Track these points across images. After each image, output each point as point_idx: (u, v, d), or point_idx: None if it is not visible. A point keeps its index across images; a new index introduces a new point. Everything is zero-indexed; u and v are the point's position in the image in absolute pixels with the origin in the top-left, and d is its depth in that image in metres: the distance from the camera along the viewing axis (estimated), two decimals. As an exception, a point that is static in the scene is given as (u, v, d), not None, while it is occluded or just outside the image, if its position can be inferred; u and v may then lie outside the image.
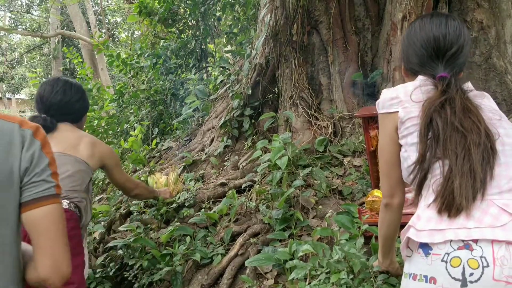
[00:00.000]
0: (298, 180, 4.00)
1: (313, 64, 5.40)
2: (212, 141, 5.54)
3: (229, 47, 8.17)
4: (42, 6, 23.90)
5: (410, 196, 3.29)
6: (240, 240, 3.69)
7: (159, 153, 5.96)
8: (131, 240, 3.72)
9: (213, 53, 8.15)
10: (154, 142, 5.42)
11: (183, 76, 7.95)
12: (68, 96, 2.99)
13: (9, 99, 33.86)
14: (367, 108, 3.69)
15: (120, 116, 7.08)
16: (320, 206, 3.98)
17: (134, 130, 6.38)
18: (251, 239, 3.68)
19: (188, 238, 3.65)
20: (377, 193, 3.41)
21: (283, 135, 4.44)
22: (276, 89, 5.35)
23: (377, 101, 2.05)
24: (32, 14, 25.07)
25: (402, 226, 1.90)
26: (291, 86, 5.16)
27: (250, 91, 5.24)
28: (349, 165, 4.46)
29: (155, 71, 7.31)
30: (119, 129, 6.42)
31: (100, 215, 4.32)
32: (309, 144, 4.70)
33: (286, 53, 5.22)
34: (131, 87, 7.98)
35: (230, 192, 4.23)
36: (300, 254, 2.90)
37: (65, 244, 1.38)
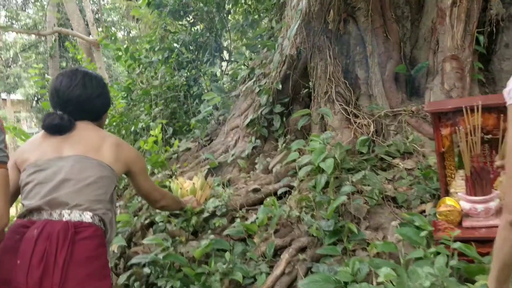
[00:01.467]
0: (347, 186, 3.50)
1: (348, 56, 4.91)
2: (237, 141, 5.04)
3: (244, 41, 7.66)
4: (38, 4, 23.33)
5: (493, 205, 2.81)
6: (286, 256, 3.19)
7: (176, 155, 5.45)
8: (160, 256, 3.20)
9: (228, 47, 7.63)
10: (176, 143, 4.89)
11: (194, 72, 7.43)
12: (88, 90, 2.46)
13: (4, 99, 33.19)
14: (438, 103, 3.20)
15: (129, 115, 6.55)
16: (372, 215, 3.50)
17: (147, 129, 5.87)
18: (298, 254, 3.18)
19: (227, 254, 3.14)
20: (449, 201, 2.93)
21: (324, 135, 3.96)
22: (308, 83, 4.85)
23: (506, 89, 1.59)
24: (28, 12, 24.50)
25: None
26: (326, 80, 4.66)
27: (280, 86, 4.74)
28: (399, 168, 3.97)
29: (168, 66, 6.78)
30: (133, 128, 5.89)
31: (119, 225, 3.81)
32: (349, 145, 4.19)
33: (320, 43, 4.72)
34: (140, 84, 7.45)
35: (268, 199, 3.73)
36: (381, 279, 2.38)
37: (5, 201, 1.94)
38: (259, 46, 6.38)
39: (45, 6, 17.97)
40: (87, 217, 2.23)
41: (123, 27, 22.82)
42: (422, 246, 2.83)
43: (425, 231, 2.90)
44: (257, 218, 3.58)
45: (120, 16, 22.92)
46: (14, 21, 25.01)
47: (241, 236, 3.53)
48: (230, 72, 7.59)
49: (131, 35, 19.06)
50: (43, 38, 21.46)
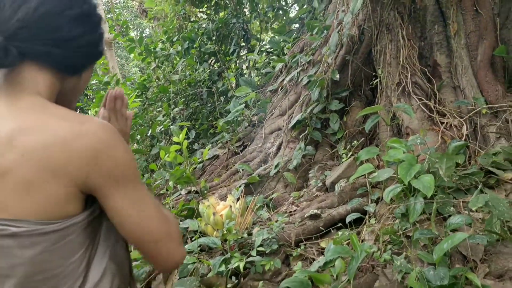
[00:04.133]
0: (459, 216, 2.42)
1: (423, 37, 3.81)
2: (279, 148, 3.96)
3: (275, 27, 6.57)
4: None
5: None
6: (378, 324, 2.11)
7: (201, 164, 4.39)
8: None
9: (258, 35, 6.53)
10: (206, 152, 3.77)
11: (217, 65, 6.37)
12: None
13: None
14: None
15: (145, 116, 5.50)
16: (493, 257, 2.42)
17: (166, 133, 4.82)
18: (401, 323, 2.11)
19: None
20: None
21: (411, 139, 2.89)
22: (372, 73, 3.77)
23: None
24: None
25: None
26: (398, 67, 3.59)
27: (337, 76, 3.66)
28: (513, 184, 2.88)
29: (190, 58, 5.72)
30: (149, 132, 4.83)
31: (134, 264, 2.75)
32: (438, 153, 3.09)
33: (389, 20, 3.63)
34: (156, 81, 6.42)
35: (340, 233, 2.66)
36: None
37: None
38: (300, 30, 5.30)
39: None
40: None
41: (136, 27, 22.11)
42: None
43: None
44: (327, 261, 2.50)
45: (132, 15, 22.31)
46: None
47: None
48: (259, 65, 6.51)
49: (144, 34, 18.26)
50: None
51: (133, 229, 1.06)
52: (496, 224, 2.49)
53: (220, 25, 6.34)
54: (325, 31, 4.12)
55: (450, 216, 2.50)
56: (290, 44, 5.71)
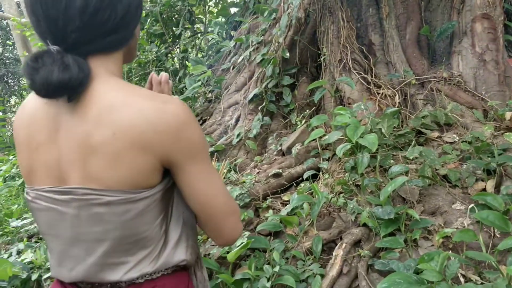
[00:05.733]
0: (398, 166, 2.99)
1: (360, 19, 4.37)
2: (237, 120, 4.41)
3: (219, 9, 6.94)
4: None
5: None
6: (340, 253, 2.64)
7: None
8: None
9: (203, 17, 6.88)
10: None
11: (163, 46, 6.67)
12: None
13: None
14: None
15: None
16: (427, 198, 3.01)
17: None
18: (358, 249, 2.65)
19: (275, 254, 2.56)
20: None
21: (356, 106, 3.43)
22: (316, 51, 4.28)
23: None
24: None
25: None
26: (339, 46, 4.11)
27: (287, 54, 4.14)
28: (439, 142, 3.49)
29: (140, 38, 6.00)
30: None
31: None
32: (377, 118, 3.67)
33: (331, 4, 4.14)
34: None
35: (302, 184, 3.16)
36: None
37: None
38: (244, 14, 5.72)
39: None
40: None
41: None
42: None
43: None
44: (293, 207, 3.00)
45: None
46: None
47: (275, 230, 2.95)
48: (203, 45, 6.87)
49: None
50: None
51: (203, 201, 1.15)
52: (428, 171, 3.09)
53: (165, 7, 6.63)
54: (274, 14, 4.58)
55: (390, 167, 3.08)
56: (234, 26, 6.13)
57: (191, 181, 1.12)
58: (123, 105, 1.03)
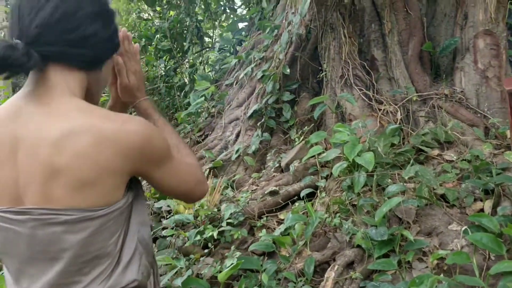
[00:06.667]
0: (395, 185, 2.94)
1: (362, 35, 4.33)
2: (237, 136, 4.39)
3: (226, 26, 6.97)
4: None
5: None
6: (332, 275, 2.59)
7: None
8: (177, 281, 2.55)
9: (210, 33, 6.92)
10: None
11: (172, 62, 6.70)
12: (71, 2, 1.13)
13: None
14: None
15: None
16: (423, 218, 2.95)
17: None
18: (350, 272, 2.59)
19: (264, 276, 2.52)
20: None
21: (354, 123, 3.38)
22: (318, 67, 4.26)
23: None
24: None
25: None
26: (341, 62, 4.08)
27: (288, 70, 4.12)
28: (439, 160, 3.43)
29: (148, 54, 6.04)
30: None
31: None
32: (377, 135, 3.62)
33: (332, 20, 4.12)
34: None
35: (297, 204, 3.12)
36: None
37: None
38: (250, 29, 5.73)
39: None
40: None
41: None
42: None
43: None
44: (287, 227, 2.96)
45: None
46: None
47: (268, 250, 2.91)
48: (212, 61, 6.89)
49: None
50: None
51: (173, 189, 1.25)
52: (425, 191, 3.03)
53: (172, 23, 6.67)
54: (276, 30, 4.57)
55: (387, 186, 3.02)
56: (240, 41, 6.14)
57: (160, 179, 1.19)
58: (84, 130, 1.02)
